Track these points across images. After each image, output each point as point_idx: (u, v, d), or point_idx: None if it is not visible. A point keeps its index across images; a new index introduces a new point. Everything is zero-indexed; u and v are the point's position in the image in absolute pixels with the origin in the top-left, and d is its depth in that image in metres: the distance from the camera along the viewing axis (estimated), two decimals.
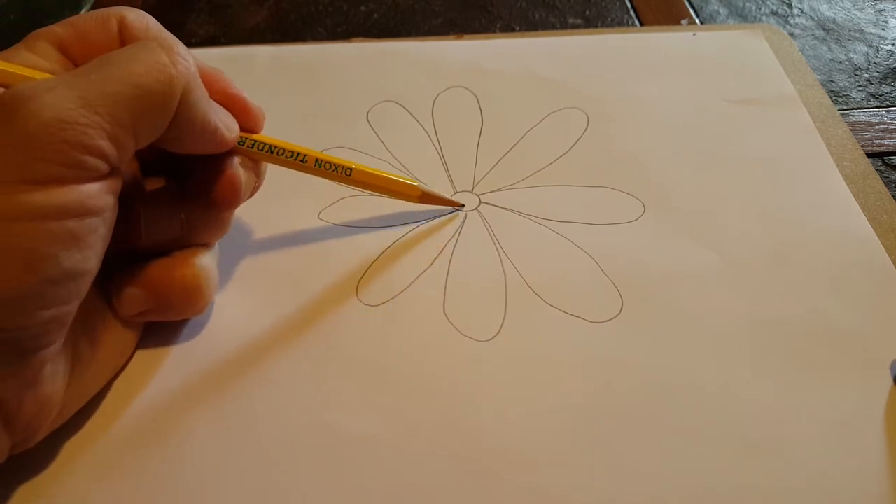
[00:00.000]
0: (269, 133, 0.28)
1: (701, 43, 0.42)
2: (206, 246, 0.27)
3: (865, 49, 0.43)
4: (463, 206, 0.33)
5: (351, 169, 0.29)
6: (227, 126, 0.25)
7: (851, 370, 0.26)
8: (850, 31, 0.45)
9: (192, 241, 0.27)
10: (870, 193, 0.32)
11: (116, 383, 0.26)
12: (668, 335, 0.27)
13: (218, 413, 0.25)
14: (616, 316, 0.28)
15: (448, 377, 0.26)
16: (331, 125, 0.37)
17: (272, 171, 0.29)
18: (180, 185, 0.26)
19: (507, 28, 0.46)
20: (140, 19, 0.25)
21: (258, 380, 0.26)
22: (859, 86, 0.41)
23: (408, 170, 0.35)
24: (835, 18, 0.46)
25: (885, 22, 0.45)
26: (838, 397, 0.25)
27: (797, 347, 0.27)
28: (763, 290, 0.29)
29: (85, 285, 0.21)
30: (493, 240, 0.31)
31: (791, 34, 0.44)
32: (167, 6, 0.49)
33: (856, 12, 0.46)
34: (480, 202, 0.33)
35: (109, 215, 0.21)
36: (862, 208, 0.32)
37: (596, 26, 0.46)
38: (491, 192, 0.33)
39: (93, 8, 0.48)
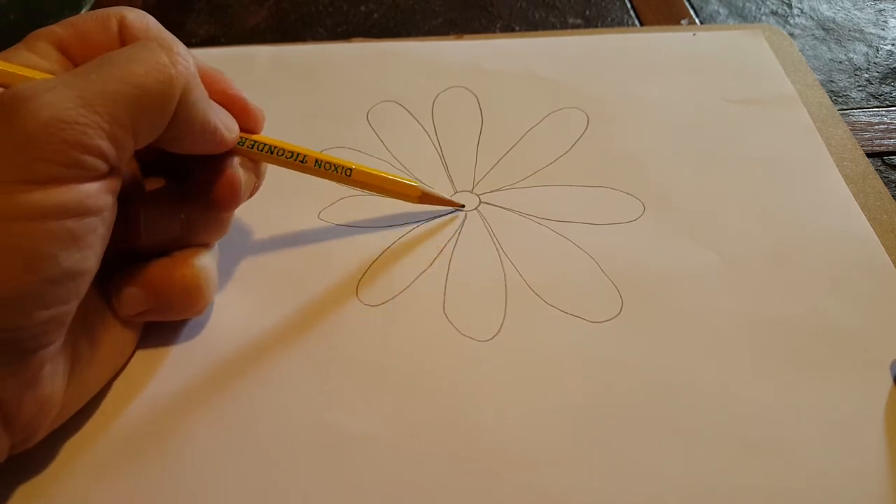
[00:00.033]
0: (270, 133, 0.28)
1: (701, 43, 0.42)
2: (205, 246, 0.27)
3: (865, 49, 0.43)
4: (463, 206, 0.33)
5: (351, 169, 0.29)
6: (227, 126, 0.25)
7: (851, 370, 0.26)
8: (849, 31, 0.45)
9: (191, 241, 0.27)
10: (870, 193, 0.32)
11: (116, 383, 0.26)
12: (668, 335, 0.27)
13: (218, 413, 0.25)
14: (616, 316, 0.28)
15: (448, 377, 0.26)
16: (331, 125, 0.37)
17: (272, 171, 0.29)
18: (180, 185, 0.26)
19: (507, 28, 0.46)
20: (140, 19, 0.25)
21: (258, 380, 0.26)
22: (859, 86, 0.41)
23: (408, 170, 0.35)
24: (835, 18, 0.46)
25: (885, 22, 0.45)
26: (838, 397, 0.25)
27: (797, 347, 0.27)
28: (763, 290, 0.29)
29: (84, 285, 0.21)
30: (493, 240, 0.31)
31: (791, 34, 0.44)
32: (167, 6, 0.49)
33: (856, 12, 0.46)
34: (480, 202, 0.33)
35: (109, 215, 0.21)
36: (862, 208, 0.32)
37: (596, 26, 0.46)
38: (491, 192, 0.33)
39: (93, 8, 0.48)
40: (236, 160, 0.27)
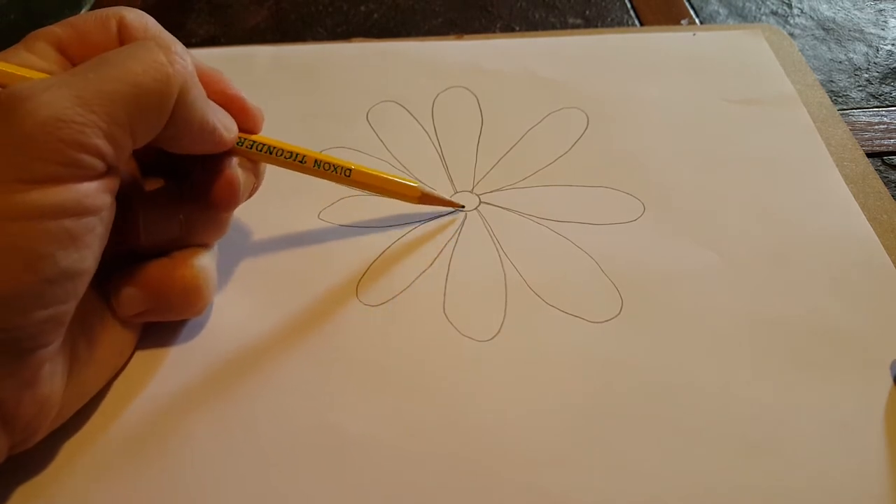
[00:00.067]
0: (269, 133, 0.28)
1: (701, 43, 0.42)
2: (205, 246, 0.27)
3: (865, 49, 0.43)
4: (463, 207, 0.33)
5: (350, 170, 0.29)
6: (226, 126, 0.25)
7: (851, 370, 0.26)
8: (849, 31, 0.45)
9: (190, 241, 0.27)
10: (870, 193, 0.32)
11: (116, 384, 0.26)
12: (668, 335, 0.27)
13: (218, 414, 0.25)
14: (616, 316, 0.28)
15: (448, 377, 0.26)
16: (331, 125, 0.37)
17: (272, 170, 0.29)
18: (179, 185, 0.26)
19: (507, 28, 0.46)
20: (139, 19, 0.25)
21: (258, 380, 0.26)
22: (859, 86, 0.41)
23: (408, 170, 0.35)
24: (835, 18, 0.46)
25: (885, 22, 0.45)
26: (838, 397, 0.25)
27: (797, 347, 0.27)
28: (763, 290, 0.29)
29: (82, 285, 0.21)
30: (493, 240, 0.31)
31: (791, 34, 0.44)
32: (167, 6, 0.49)
33: (856, 12, 0.46)
34: (480, 202, 0.33)
35: (107, 214, 0.21)
36: (862, 208, 0.32)
37: (596, 26, 0.46)
38: (491, 192, 0.33)
39: (93, 8, 0.48)
40: (235, 160, 0.27)
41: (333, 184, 0.30)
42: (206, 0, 0.49)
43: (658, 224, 0.31)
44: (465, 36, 0.43)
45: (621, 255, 0.30)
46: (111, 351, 0.25)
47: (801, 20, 0.46)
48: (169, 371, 0.27)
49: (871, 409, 0.25)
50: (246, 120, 0.27)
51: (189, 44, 0.44)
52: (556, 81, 0.39)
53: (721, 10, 0.47)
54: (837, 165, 0.34)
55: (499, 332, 0.28)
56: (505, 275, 0.30)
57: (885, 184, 0.33)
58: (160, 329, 0.28)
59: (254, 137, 0.27)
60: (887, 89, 0.40)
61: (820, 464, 0.24)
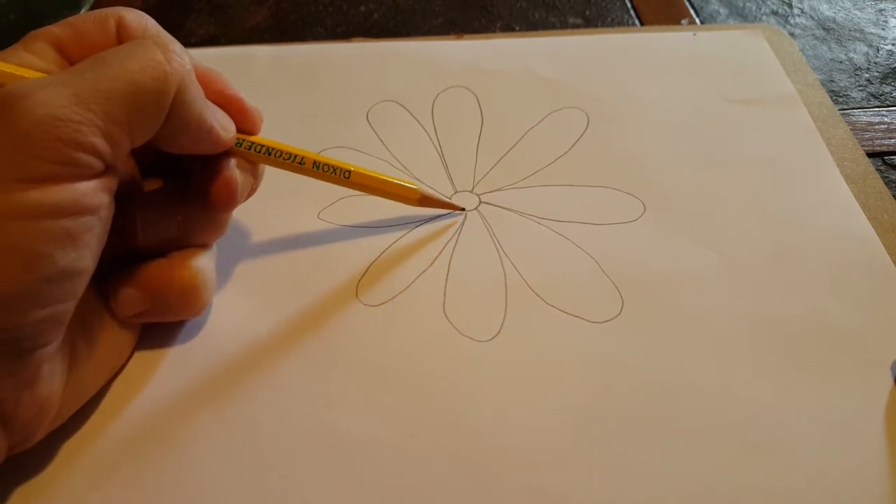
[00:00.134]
0: (269, 133, 0.28)
1: (701, 43, 0.42)
2: (203, 247, 0.27)
3: (866, 49, 0.43)
4: (463, 209, 0.33)
5: (349, 171, 0.29)
6: (224, 126, 0.25)
7: (851, 370, 0.26)
8: (850, 30, 0.45)
9: (189, 242, 0.26)
10: (870, 193, 0.32)
11: (115, 384, 0.26)
12: (668, 335, 0.27)
13: (217, 415, 0.25)
14: (616, 316, 0.28)
15: (448, 377, 0.26)
16: (331, 125, 0.37)
17: (272, 170, 0.29)
18: (178, 186, 0.26)
19: (507, 28, 0.46)
20: (138, 20, 0.24)
21: (257, 381, 0.26)
22: (859, 85, 0.41)
23: (408, 170, 0.35)
24: (835, 18, 0.46)
25: (886, 22, 0.45)
26: (838, 397, 0.25)
27: (797, 347, 0.27)
28: (763, 290, 0.29)
29: (81, 284, 0.21)
30: (493, 240, 0.31)
31: (791, 34, 0.44)
32: (167, 6, 0.49)
33: (856, 12, 0.46)
34: (480, 202, 0.33)
35: (105, 214, 0.21)
36: (862, 208, 0.32)
37: (596, 26, 0.46)
38: (491, 191, 0.33)
39: (92, 8, 0.48)
40: (233, 161, 0.27)
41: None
42: (205, 0, 0.49)
43: (658, 224, 0.31)
44: (465, 36, 0.43)
45: (622, 255, 0.30)
46: (110, 351, 0.25)
47: (801, 20, 0.46)
48: (168, 372, 0.27)
49: (872, 409, 0.25)
50: (244, 121, 0.27)
51: (189, 44, 0.44)
52: (556, 81, 0.39)
53: (721, 10, 0.47)
54: (838, 165, 0.34)
55: (499, 332, 0.28)
56: (505, 275, 0.30)
57: (886, 184, 0.33)
58: (159, 330, 0.28)
59: (252, 138, 0.27)
60: (888, 89, 0.40)
61: (820, 464, 0.24)
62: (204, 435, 0.25)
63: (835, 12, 0.46)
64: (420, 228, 0.32)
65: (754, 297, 0.28)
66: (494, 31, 0.45)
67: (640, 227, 0.31)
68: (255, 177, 0.28)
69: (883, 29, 0.45)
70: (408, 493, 0.23)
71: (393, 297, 0.29)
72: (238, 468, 0.24)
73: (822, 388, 0.26)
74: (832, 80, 0.41)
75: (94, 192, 0.20)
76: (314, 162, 0.28)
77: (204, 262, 0.26)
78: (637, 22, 0.46)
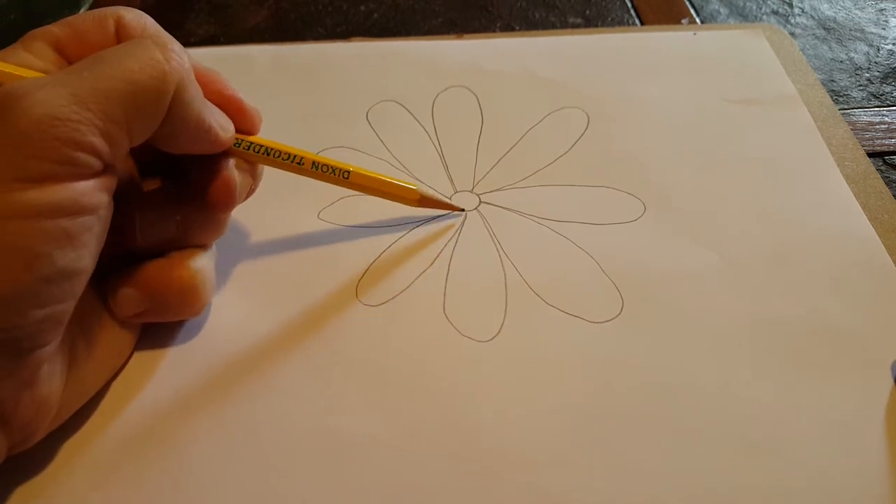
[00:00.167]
0: (270, 132, 0.28)
1: (701, 42, 0.42)
2: (203, 247, 0.27)
3: (866, 48, 0.43)
4: (463, 210, 0.33)
5: (349, 172, 0.29)
6: (222, 126, 0.25)
7: (851, 370, 0.26)
8: (850, 30, 0.45)
9: (188, 242, 0.26)
10: (870, 193, 0.32)
11: (114, 384, 0.26)
12: (668, 335, 0.27)
13: (218, 415, 0.25)
14: (616, 316, 0.28)
15: (448, 377, 0.26)
16: (331, 125, 0.37)
17: (271, 170, 0.29)
18: (177, 186, 0.26)
19: (507, 28, 0.46)
20: (137, 19, 0.24)
21: (257, 381, 0.26)
22: (860, 85, 0.41)
23: (408, 169, 0.35)
24: (835, 18, 0.46)
25: (886, 21, 0.45)
26: (838, 397, 0.25)
27: (797, 347, 0.27)
28: (763, 290, 0.29)
29: (80, 284, 0.21)
30: (493, 240, 0.31)
31: (792, 34, 0.44)
32: (166, 6, 0.49)
33: (856, 12, 0.46)
34: (480, 202, 0.33)
35: (104, 213, 0.21)
36: (863, 208, 0.32)
37: (596, 26, 0.46)
38: (491, 191, 0.33)
39: (91, 8, 0.48)
40: (231, 162, 0.26)
41: None
42: (205, 0, 0.49)
43: (658, 224, 0.31)
44: (465, 36, 0.43)
45: (622, 255, 0.30)
46: (110, 351, 0.25)
47: (801, 20, 0.46)
48: (168, 372, 0.27)
49: (872, 409, 0.25)
50: (243, 121, 0.27)
51: (188, 43, 0.44)
52: (556, 81, 0.39)
53: (722, 10, 0.47)
54: (838, 165, 0.34)
55: (499, 332, 0.28)
56: (505, 275, 0.30)
57: (886, 183, 0.33)
58: (159, 330, 0.28)
59: (251, 139, 0.27)
60: (888, 89, 0.40)
61: (820, 464, 0.24)
62: (204, 435, 0.25)
63: (835, 12, 0.46)
64: (420, 228, 0.32)
65: (754, 297, 0.28)
66: (494, 31, 0.45)
67: (640, 227, 0.31)
68: (254, 177, 0.28)
69: (883, 28, 0.45)
70: (408, 493, 0.23)
71: (393, 298, 0.29)
72: (238, 468, 0.24)
73: (822, 388, 0.26)
74: (832, 80, 0.41)
75: (92, 192, 0.20)
76: (313, 162, 0.28)
77: (203, 263, 0.26)
78: (637, 22, 0.46)
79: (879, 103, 0.39)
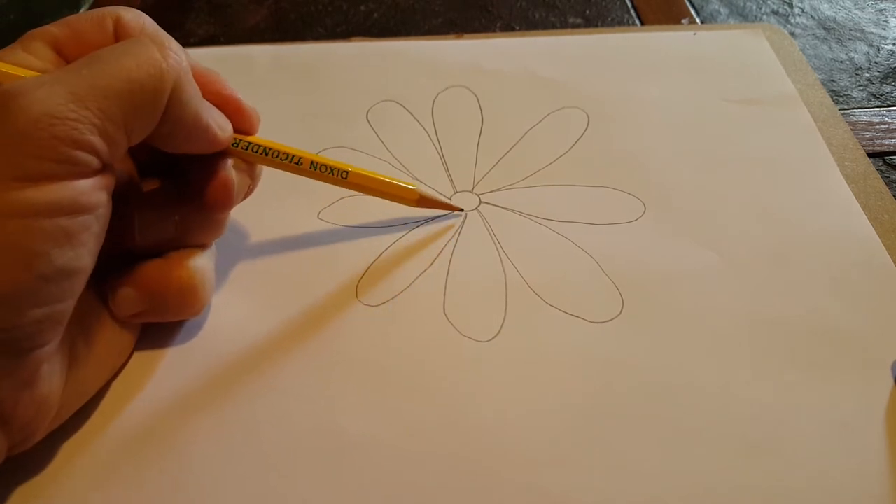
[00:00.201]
0: (269, 132, 0.28)
1: (701, 42, 0.42)
2: (202, 247, 0.27)
3: (866, 48, 0.43)
4: (462, 210, 0.33)
5: (347, 172, 0.29)
6: (220, 125, 0.25)
7: (851, 370, 0.26)
8: (850, 30, 0.45)
9: (187, 242, 0.26)
10: (871, 193, 0.32)
11: (114, 384, 0.26)
12: (668, 335, 0.27)
13: (218, 415, 0.25)
14: (616, 316, 0.28)
15: (448, 377, 0.26)
16: (331, 125, 0.37)
17: (272, 170, 0.29)
18: (175, 186, 0.26)
19: (507, 28, 0.46)
20: (136, 19, 0.24)
21: (257, 381, 0.26)
22: (860, 85, 0.41)
23: (408, 169, 0.35)
24: (835, 18, 0.46)
25: (886, 21, 0.45)
26: (838, 397, 0.25)
27: (797, 347, 0.27)
28: (763, 290, 0.29)
29: (79, 284, 0.21)
30: (493, 240, 0.31)
31: (792, 34, 0.44)
32: (166, 6, 0.49)
33: (857, 12, 0.46)
34: (480, 202, 0.33)
35: (103, 212, 0.21)
36: (863, 208, 0.32)
37: (596, 26, 0.46)
38: (491, 191, 0.33)
39: (91, 8, 0.48)
40: (230, 162, 0.26)
41: None
42: (205, 0, 0.49)
43: (658, 224, 0.31)
44: (465, 36, 0.43)
45: (622, 255, 0.30)
46: (110, 351, 0.25)
47: (801, 20, 0.46)
48: (168, 372, 0.27)
49: (872, 409, 0.25)
50: (242, 121, 0.27)
51: (188, 43, 0.44)
52: (556, 81, 0.39)
53: (722, 10, 0.47)
54: (838, 165, 0.34)
55: (499, 332, 0.28)
56: (505, 275, 0.30)
57: (887, 183, 0.33)
58: (159, 330, 0.28)
59: (249, 139, 0.27)
60: (888, 89, 0.40)
61: (820, 464, 0.24)
62: (204, 435, 0.25)
63: (835, 12, 0.46)
64: (420, 228, 0.32)
65: (754, 297, 0.28)
66: (494, 31, 0.45)
67: (640, 227, 0.31)
68: (253, 177, 0.28)
69: (883, 29, 0.45)
70: (408, 493, 0.23)
71: (393, 298, 0.29)
72: (238, 468, 0.24)
73: (822, 388, 0.26)
74: (832, 80, 0.41)
75: (91, 191, 0.20)
76: (311, 162, 0.28)
77: (202, 262, 0.26)
78: (637, 21, 0.46)
79: (879, 103, 0.39)
